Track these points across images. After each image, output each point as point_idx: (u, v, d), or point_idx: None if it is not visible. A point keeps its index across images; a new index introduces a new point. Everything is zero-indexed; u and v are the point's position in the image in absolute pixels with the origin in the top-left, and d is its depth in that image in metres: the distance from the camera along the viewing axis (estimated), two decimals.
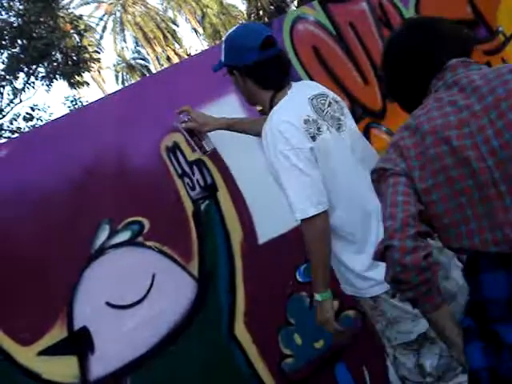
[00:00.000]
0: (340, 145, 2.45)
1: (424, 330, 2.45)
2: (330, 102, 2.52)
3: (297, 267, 3.43)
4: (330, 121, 2.45)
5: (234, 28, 2.63)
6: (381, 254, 1.64)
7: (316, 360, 3.43)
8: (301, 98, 2.49)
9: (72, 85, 19.86)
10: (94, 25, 38.32)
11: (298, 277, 3.43)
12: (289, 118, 2.37)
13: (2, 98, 17.89)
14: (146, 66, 44.00)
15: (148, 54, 43.36)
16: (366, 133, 3.55)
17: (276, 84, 2.54)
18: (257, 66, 2.48)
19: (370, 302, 2.52)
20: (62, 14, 18.74)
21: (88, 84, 21.78)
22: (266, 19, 30.96)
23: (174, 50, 42.74)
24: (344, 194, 2.44)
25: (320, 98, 2.50)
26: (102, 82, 41.32)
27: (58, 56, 17.93)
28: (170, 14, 45.09)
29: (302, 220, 2.37)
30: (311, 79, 3.59)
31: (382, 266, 2.41)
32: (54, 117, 17.71)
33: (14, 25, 16.47)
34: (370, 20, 3.86)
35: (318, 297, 2.48)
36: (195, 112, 2.94)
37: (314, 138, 2.36)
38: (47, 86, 18.28)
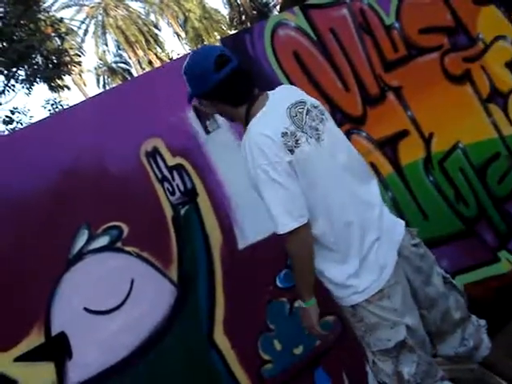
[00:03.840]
0: (320, 155, 2.41)
1: (402, 338, 2.46)
2: (308, 110, 2.47)
3: (277, 273, 3.43)
4: (309, 131, 2.41)
5: (187, 59, 2.55)
6: None
7: (295, 366, 3.43)
8: (278, 109, 2.44)
9: (52, 88, 19.71)
10: (75, 28, 38.03)
11: (278, 282, 3.43)
12: (266, 132, 2.34)
13: None
14: (128, 70, 43.82)
15: (130, 58, 43.16)
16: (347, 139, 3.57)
17: (244, 98, 2.50)
18: (217, 87, 2.44)
19: (350, 308, 2.52)
20: (43, 17, 18.56)
21: (69, 87, 21.62)
22: (248, 24, 31.02)
23: (155, 54, 42.57)
24: (324, 205, 2.42)
25: (298, 107, 2.46)
26: (83, 85, 41.00)
27: (39, 59, 17.78)
28: (152, 17, 44.96)
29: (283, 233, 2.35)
30: (292, 84, 3.59)
31: (365, 274, 2.43)
32: (34, 120, 17.62)
33: None
34: (350, 26, 3.88)
35: (302, 304, 2.51)
36: None
37: (291, 151, 2.33)
38: (27, 89, 18.08)
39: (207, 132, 2.92)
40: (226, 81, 2.44)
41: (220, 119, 2.97)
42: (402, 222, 2.67)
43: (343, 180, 2.47)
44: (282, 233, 2.34)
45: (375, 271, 2.45)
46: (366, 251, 2.45)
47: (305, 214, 2.35)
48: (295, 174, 2.35)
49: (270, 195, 2.33)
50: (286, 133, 2.35)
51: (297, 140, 2.36)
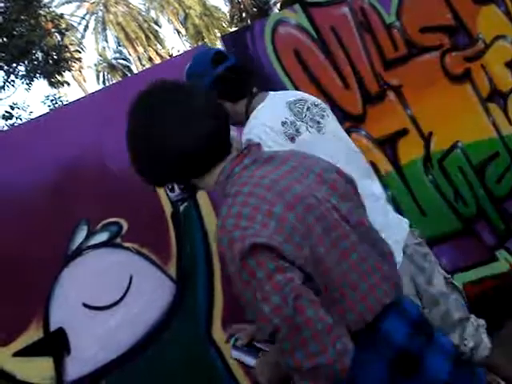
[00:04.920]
0: (321, 145, 2.41)
1: None
2: (308, 107, 2.50)
3: None
4: (309, 122, 2.43)
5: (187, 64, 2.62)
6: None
7: None
8: (278, 103, 2.48)
9: (52, 84, 19.72)
10: (75, 24, 38.14)
11: None
12: (266, 121, 2.36)
13: None
14: (128, 66, 43.86)
15: (130, 54, 43.24)
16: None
17: (242, 93, 2.54)
18: (215, 83, 2.47)
19: None
20: (43, 13, 18.52)
21: (68, 83, 21.65)
22: (248, 21, 30.97)
23: (155, 51, 42.64)
24: None
25: (298, 103, 2.49)
26: (82, 81, 41.09)
27: (39, 55, 17.75)
28: (152, 14, 45.07)
29: None
30: (292, 82, 3.60)
31: None
32: (33, 116, 17.60)
33: None
34: (351, 24, 3.88)
35: None
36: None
37: (292, 140, 2.34)
38: (27, 84, 18.10)
39: None
40: (223, 76, 2.48)
41: None
42: (407, 221, 2.67)
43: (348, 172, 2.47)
44: None
45: None
46: None
47: None
48: None
49: None
50: (286, 122, 2.37)
51: (297, 129, 2.37)
